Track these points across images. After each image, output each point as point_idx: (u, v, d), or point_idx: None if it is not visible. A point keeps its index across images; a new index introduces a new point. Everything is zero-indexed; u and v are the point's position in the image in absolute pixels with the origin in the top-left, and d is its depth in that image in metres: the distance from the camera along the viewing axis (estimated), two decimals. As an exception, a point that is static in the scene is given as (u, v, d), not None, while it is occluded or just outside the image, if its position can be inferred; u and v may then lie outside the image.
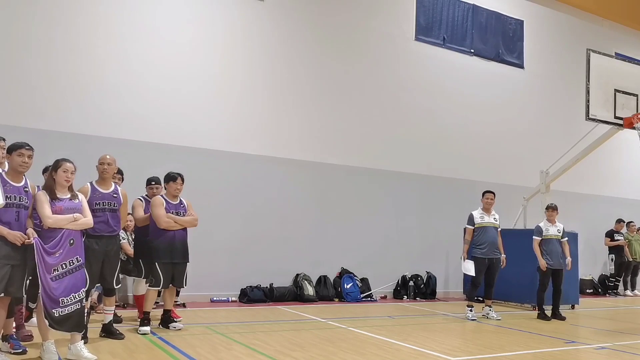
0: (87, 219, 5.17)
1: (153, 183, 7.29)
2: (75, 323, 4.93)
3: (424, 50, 12.74)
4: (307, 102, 11.17)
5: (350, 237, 11.28)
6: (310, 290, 10.32)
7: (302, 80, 11.16)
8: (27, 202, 4.90)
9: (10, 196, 4.76)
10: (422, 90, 12.63)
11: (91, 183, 5.94)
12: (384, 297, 11.42)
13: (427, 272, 11.82)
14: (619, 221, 14.12)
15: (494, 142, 13.44)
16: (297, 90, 11.09)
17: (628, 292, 14.17)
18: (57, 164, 5.12)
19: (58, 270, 4.82)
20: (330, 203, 11.17)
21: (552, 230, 9.13)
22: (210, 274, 9.59)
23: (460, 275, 11.86)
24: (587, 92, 10.36)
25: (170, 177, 6.82)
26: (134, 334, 6.35)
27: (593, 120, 10.42)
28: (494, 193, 9.22)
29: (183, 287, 6.90)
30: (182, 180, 6.84)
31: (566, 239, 9.30)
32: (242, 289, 9.96)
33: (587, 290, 13.65)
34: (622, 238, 13.92)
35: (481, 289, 11.19)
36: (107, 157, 6.05)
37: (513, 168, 13.39)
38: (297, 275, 10.54)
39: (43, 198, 4.96)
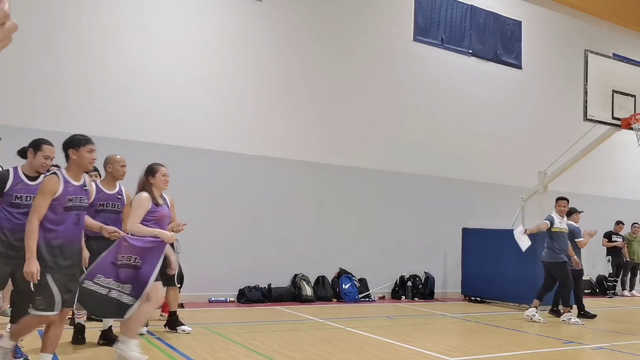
0: (166, 235, 4.89)
1: None
2: (113, 310, 4.74)
3: (422, 51, 12.75)
4: (304, 102, 11.17)
5: (348, 237, 11.28)
6: (308, 290, 10.32)
7: (299, 80, 11.16)
8: (86, 203, 4.49)
9: (73, 198, 4.31)
10: (421, 91, 12.63)
11: (96, 183, 5.72)
12: (382, 298, 11.42)
13: (425, 273, 11.81)
14: (618, 223, 14.11)
15: (492, 143, 13.46)
16: (295, 90, 11.09)
17: (626, 292, 14.18)
18: (154, 169, 5.05)
19: (122, 261, 4.69)
20: (328, 203, 11.17)
21: (563, 224, 9.13)
22: (208, 275, 9.57)
23: (459, 276, 11.87)
24: (585, 92, 10.38)
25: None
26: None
27: (591, 120, 10.44)
28: (567, 200, 9.28)
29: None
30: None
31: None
32: (240, 289, 9.95)
33: (585, 291, 13.65)
34: (620, 240, 13.92)
35: (478, 289, 11.21)
36: (123, 158, 5.83)
37: (511, 168, 13.40)
38: (295, 275, 10.53)
39: (145, 204, 4.86)
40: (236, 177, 10.28)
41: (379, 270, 11.40)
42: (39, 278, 4.07)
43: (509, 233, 10.28)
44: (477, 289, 11.36)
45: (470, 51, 13.43)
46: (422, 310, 9.86)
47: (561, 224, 8.97)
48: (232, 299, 9.86)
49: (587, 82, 10.41)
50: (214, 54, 10.33)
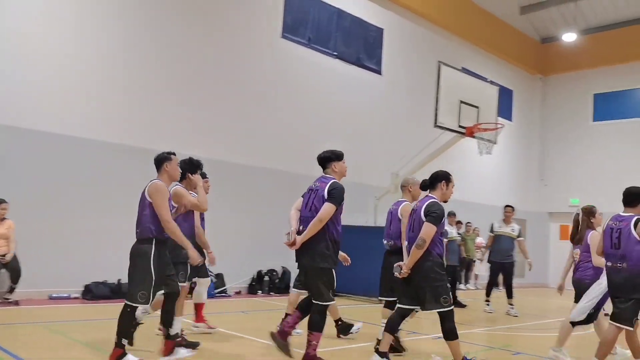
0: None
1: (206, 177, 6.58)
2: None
3: (289, 48, 12.87)
4: (164, 91, 10.73)
5: (205, 231, 11.01)
6: (162, 285, 9.93)
7: (159, 67, 10.70)
8: None
9: None
10: (287, 87, 12.75)
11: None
12: (238, 293, 11.36)
13: (283, 267, 11.95)
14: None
15: (353, 143, 13.90)
16: (154, 77, 10.62)
17: (462, 286, 15.58)
18: (593, 211, 6.28)
19: None
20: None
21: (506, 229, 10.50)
22: (48, 269, 8.85)
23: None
24: (436, 101, 11.14)
25: None
26: None
27: (440, 127, 11.24)
28: (512, 207, 10.62)
29: None
30: None
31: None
32: (86, 284, 9.32)
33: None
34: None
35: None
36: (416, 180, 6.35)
37: (369, 168, 13.98)
38: (149, 269, 10.08)
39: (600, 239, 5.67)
40: (81, 165, 9.58)
41: (236, 265, 11.30)
42: None
43: (362, 229, 10.73)
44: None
45: (335, 53, 13.82)
46: (276, 305, 9.96)
47: (501, 228, 10.46)
48: (76, 295, 9.21)
49: (438, 91, 11.18)
50: (65, 33, 9.55)
